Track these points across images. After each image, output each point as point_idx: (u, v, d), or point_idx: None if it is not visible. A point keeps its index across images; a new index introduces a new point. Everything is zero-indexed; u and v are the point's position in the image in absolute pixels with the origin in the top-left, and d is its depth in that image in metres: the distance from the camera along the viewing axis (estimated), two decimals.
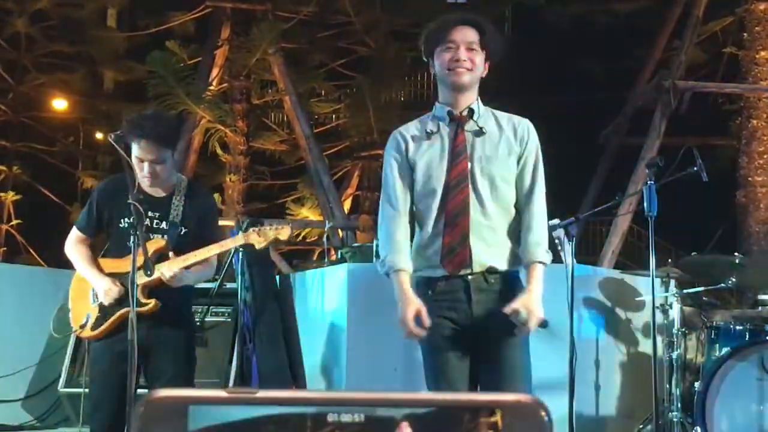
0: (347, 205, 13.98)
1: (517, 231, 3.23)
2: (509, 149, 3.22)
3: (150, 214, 3.84)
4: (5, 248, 13.07)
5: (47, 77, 13.41)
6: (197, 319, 5.73)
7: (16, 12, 12.61)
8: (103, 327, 3.87)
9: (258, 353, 5.63)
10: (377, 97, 12.95)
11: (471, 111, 3.23)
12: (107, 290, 3.84)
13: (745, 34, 11.30)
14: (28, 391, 6.31)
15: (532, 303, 3.04)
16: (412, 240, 3.28)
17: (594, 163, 13.39)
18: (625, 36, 13.18)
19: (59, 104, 13.68)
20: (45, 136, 13.67)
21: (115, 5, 13.86)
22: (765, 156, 11.00)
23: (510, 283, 3.22)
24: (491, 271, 3.18)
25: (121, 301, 3.84)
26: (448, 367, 3.14)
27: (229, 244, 4.01)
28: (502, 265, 3.20)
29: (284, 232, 4.01)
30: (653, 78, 12.30)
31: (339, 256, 7.88)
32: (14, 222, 13.09)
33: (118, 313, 3.84)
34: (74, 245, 4.02)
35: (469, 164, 3.19)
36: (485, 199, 3.16)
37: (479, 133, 3.22)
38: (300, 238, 13.67)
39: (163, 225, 3.86)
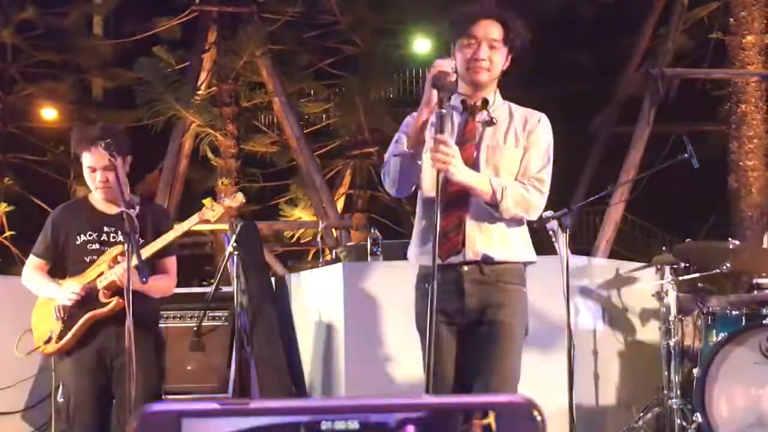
0: (340, 205, 13.96)
1: (517, 225, 3.21)
2: (516, 141, 3.20)
3: (105, 229, 3.94)
4: None
5: (35, 87, 13.36)
6: (194, 325, 5.72)
7: (2, 22, 12.56)
8: (68, 337, 3.87)
9: (256, 356, 5.62)
10: (366, 96, 12.93)
11: (485, 101, 3.21)
12: (69, 292, 3.84)
13: (731, 19, 11.29)
14: (26, 403, 6.29)
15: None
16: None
17: (585, 153, 13.40)
18: (612, 25, 13.17)
19: (48, 114, 13.63)
20: (35, 146, 13.60)
21: (101, 13, 13.81)
22: (755, 140, 11.00)
23: (508, 275, 3.15)
24: (486, 260, 3.11)
25: (82, 304, 3.85)
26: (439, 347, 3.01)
27: (185, 226, 4.04)
28: (499, 255, 3.13)
29: (237, 199, 4.09)
30: (641, 66, 12.30)
31: (334, 255, 7.87)
32: (7, 234, 13.03)
33: (82, 319, 3.85)
34: (31, 272, 4.04)
35: (475, 152, 3.16)
36: None
37: (489, 123, 3.19)
38: (294, 238, 13.65)
39: (119, 237, 3.87)
